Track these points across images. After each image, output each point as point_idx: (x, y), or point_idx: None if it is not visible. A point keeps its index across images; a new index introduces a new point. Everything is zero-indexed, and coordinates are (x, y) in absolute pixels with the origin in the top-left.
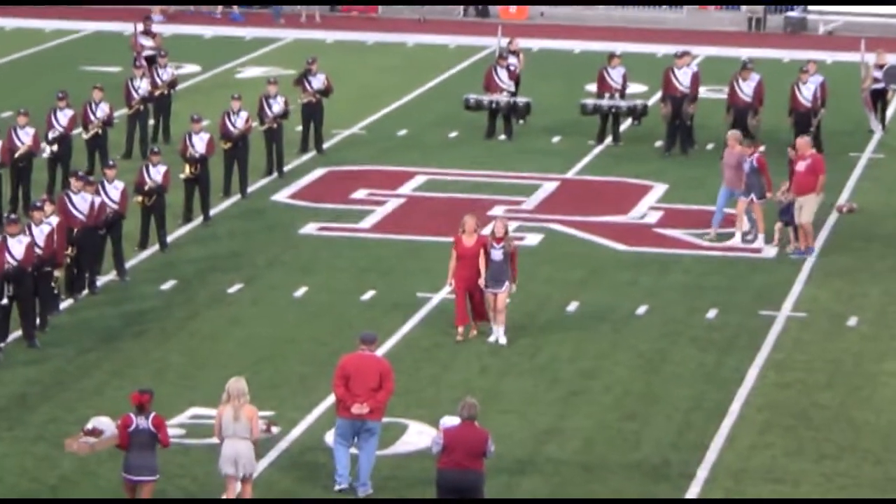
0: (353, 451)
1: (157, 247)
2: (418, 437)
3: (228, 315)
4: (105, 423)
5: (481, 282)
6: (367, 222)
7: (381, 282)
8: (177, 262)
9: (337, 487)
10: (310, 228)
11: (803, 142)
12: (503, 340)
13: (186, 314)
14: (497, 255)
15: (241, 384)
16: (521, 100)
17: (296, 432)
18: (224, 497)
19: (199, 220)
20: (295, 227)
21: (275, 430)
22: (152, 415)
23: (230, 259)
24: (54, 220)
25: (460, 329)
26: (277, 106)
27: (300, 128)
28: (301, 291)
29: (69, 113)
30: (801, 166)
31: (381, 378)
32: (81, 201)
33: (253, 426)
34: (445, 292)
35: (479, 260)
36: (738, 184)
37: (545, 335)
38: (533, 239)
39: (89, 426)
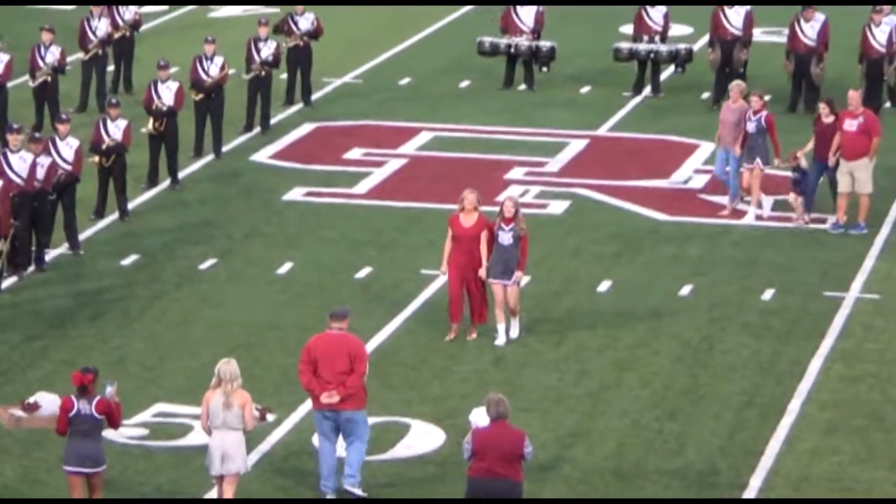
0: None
1: (116, 215)
2: (422, 439)
3: (200, 295)
4: (48, 401)
5: (482, 272)
6: (363, 187)
7: (380, 257)
8: (139, 232)
9: (325, 496)
10: (295, 194)
11: (855, 95)
12: (515, 334)
13: (151, 294)
14: (506, 238)
15: (233, 366)
16: (544, 44)
17: (278, 434)
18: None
19: (165, 183)
20: (278, 193)
21: (270, 416)
22: (97, 398)
23: (202, 229)
24: None
25: (454, 326)
26: (267, 50)
27: (285, 76)
28: (285, 268)
29: (5, 58)
30: (851, 125)
31: (351, 359)
32: (19, 161)
33: (246, 415)
34: (441, 281)
35: (481, 245)
36: (733, 144)
37: (571, 320)
38: (558, 206)
39: (31, 400)
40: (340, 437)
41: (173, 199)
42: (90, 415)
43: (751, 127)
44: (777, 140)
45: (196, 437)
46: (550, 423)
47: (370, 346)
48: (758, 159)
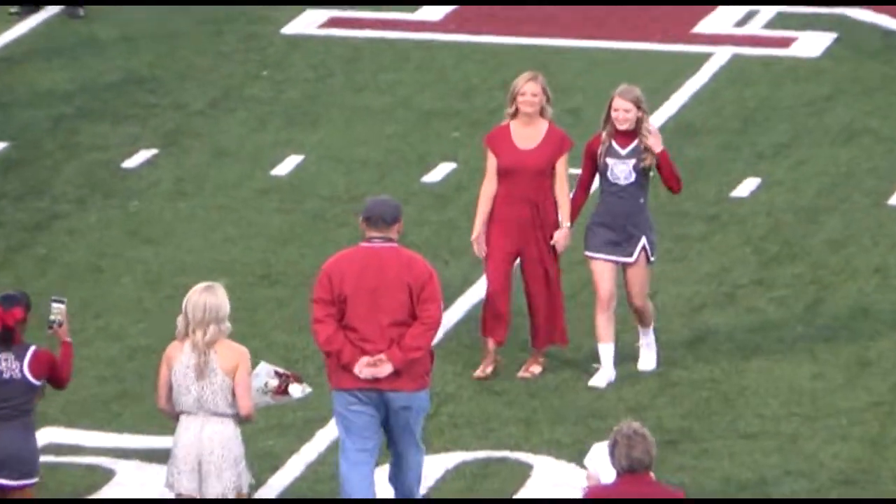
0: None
1: None
2: (553, 491)
3: (123, 221)
4: None
5: (560, 238)
6: (437, 11)
7: (467, 142)
8: (6, 100)
9: None
10: (305, 23)
11: None
12: (650, 364)
13: (28, 219)
14: (622, 171)
15: (216, 297)
16: None
17: (280, 481)
18: None
19: (56, 7)
20: (272, 21)
21: (299, 391)
22: (31, 350)
23: (127, 92)
24: None
25: (490, 347)
26: None
27: None
28: (286, 166)
29: None
30: None
31: (413, 294)
32: None
33: (238, 387)
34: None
35: (556, 186)
36: None
37: (842, 262)
38: (811, 43)
39: None
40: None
41: (72, 34)
42: (21, 379)
43: None
44: None
45: (119, 489)
46: (798, 459)
47: (449, 317)
48: None
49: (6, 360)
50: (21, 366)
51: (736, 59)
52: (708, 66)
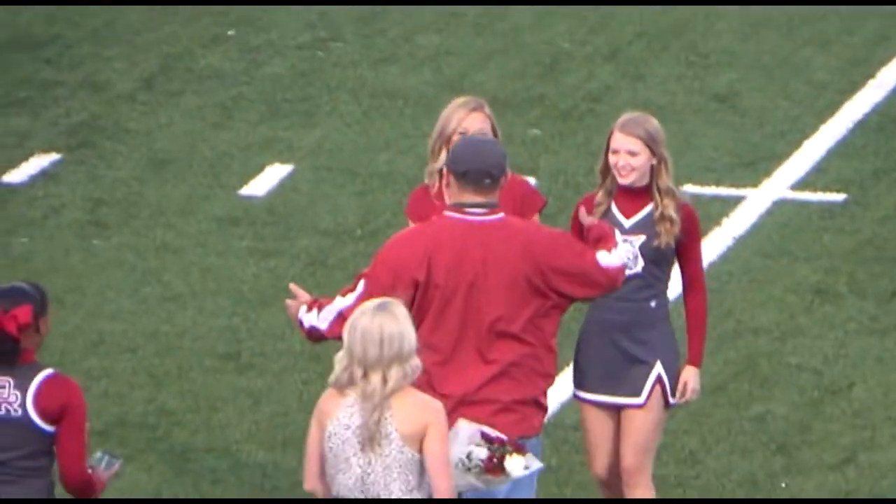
0: None
1: None
2: None
3: (5, 266)
4: None
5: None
6: None
7: (551, 145)
8: None
9: None
10: None
11: None
12: None
13: None
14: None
15: (396, 322)
16: None
17: None
18: None
19: None
20: None
21: (521, 467)
22: (42, 375)
23: (15, 63)
24: None
25: None
26: None
27: None
28: (264, 181)
29: None
30: None
31: (536, 281)
32: None
33: (432, 459)
34: None
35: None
36: None
37: None
38: None
39: None
40: None
41: None
42: (22, 419)
43: None
44: None
45: None
46: None
47: None
48: None
49: (3, 387)
50: (23, 398)
51: None
52: None
